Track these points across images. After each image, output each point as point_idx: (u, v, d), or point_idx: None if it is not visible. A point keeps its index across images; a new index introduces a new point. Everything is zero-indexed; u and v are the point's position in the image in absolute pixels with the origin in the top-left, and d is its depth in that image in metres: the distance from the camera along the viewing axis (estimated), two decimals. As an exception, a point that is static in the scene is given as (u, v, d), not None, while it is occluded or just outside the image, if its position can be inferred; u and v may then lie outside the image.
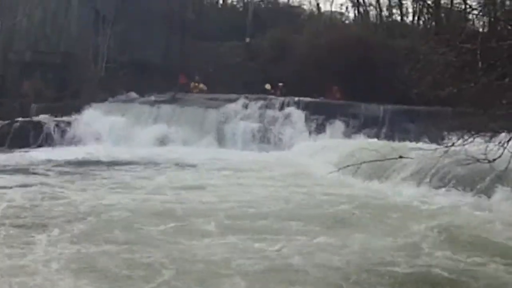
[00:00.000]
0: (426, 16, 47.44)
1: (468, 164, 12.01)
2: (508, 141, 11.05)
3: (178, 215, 12.58)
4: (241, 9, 56.67)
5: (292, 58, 39.73)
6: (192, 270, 8.84)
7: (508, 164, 11.46)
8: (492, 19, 13.30)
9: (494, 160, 10.93)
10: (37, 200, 13.77)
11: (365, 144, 20.08)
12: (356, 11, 54.79)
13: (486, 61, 10.32)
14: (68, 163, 22.11)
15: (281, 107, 32.44)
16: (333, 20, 53.39)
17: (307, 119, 31.33)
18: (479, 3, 13.83)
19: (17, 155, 24.64)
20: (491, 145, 11.14)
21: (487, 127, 11.14)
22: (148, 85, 35.57)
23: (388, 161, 13.69)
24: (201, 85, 38.76)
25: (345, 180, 17.28)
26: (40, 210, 12.68)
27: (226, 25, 47.06)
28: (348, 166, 12.84)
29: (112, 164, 22.15)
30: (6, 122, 29.57)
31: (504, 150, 10.93)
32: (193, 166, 22.15)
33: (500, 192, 13.86)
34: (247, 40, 46.82)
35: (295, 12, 56.57)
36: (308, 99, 33.26)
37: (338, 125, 30.97)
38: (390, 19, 51.50)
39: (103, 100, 33.07)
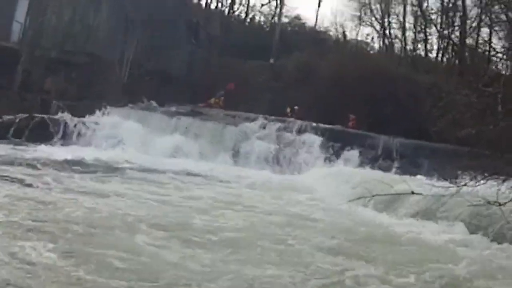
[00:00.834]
0: (450, 53, 47.61)
1: (478, 205, 12.08)
2: (520, 185, 11.12)
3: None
4: (267, 29, 56.90)
5: (315, 82, 39.85)
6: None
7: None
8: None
9: (505, 203, 11.00)
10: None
11: (379, 176, 20.17)
12: (381, 42, 55.06)
13: (507, 105, 10.42)
14: (79, 163, 22.25)
15: (299, 131, 32.52)
16: (358, 48, 53.52)
17: (323, 145, 31.36)
18: (503, 46, 13.95)
19: (31, 150, 24.80)
20: (503, 188, 11.18)
21: (502, 170, 11.20)
22: (169, 96, 35.82)
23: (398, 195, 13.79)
24: (221, 103, 38.95)
25: (355, 210, 17.32)
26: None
27: (252, 44, 47.19)
28: (359, 198, 12.92)
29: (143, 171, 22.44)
30: (25, 116, 29.76)
31: (515, 194, 10.99)
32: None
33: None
34: (272, 60, 46.99)
35: (321, 37, 56.69)
36: (325, 125, 33.33)
37: (353, 154, 30.94)
38: (415, 53, 51.67)
39: (123, 105, 33.26)
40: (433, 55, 51.20)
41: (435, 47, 50.86)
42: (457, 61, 41.95)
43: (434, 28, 50.48)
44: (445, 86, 13.57)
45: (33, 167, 19.60)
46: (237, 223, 13.85)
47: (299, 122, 33.47)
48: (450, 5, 48.48)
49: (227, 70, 42.26)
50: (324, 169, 28.37)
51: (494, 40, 36.06)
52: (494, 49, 13.50)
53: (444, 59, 48.94)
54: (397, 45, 53.66)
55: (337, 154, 31.01)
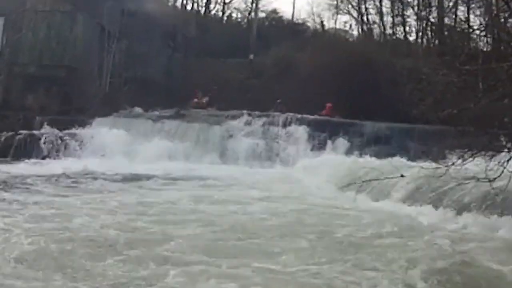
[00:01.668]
0: (429, 34, 47.69)
1: (468, 183, 12.11)
2: (508, 160, 11.13)
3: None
4: (245, 26, 56.89)
5: (295, 76, 39.86)
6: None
7: (508, 183, 11.51)
8: (495, 39, 13.38)
9: (494, 179, 11.02)
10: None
11: (367, 163, 20.19)
12: (360, 29, 55.14)
13: (487, 82, 10.43)
14: (70, 176, 22.03)
15: (284, 124, 32.54)
16: (337, 37, 53.53)
17: (309, 136, 31.45)
18: (481, 24, 13.96)
19: (21, 167, 24.60)
20: (491, 164, 11.20)
21: (488, 146, 11.21)
22: (151, 101, 35.79)
23: (389, 179, 13.81)
24: (204, 101, 38.99)
25: (345, 198, 17.32)
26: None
27: (230, 42, 47.19)
28: (349, 185, 12.93)
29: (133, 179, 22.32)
30: (10, 133, 29.66)
31: (504, 169, 11.01)
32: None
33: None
34: (251, 57, 46.98)
35: (299, 29, 56.79)
36: (309, 116, 33.41)
37: (340, 143, 31.05)
38: (394, 37, 51.72)
39: (107, 114, 33.17)
40: (412, 37, 51.33)
41: (414, 29, 51.03)
42: (436, 41, 42.02)
43: (411, 10, 50.62)
44: (425, 68, 13.50)
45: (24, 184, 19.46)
46: (223, 227, 13.67)
47: (283, 115, 33.44)
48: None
49: (206, 70, 42.28)
50: (312, 160, 28.40)
51: (472, 17, 36.29)
52: (471, 26, 13.49)
53: (424, 41, 49.00)
54: (376, 30, 53.81)
55: (324, 144, 31.09)
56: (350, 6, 55.60)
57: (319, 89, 36.75)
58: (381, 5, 52.18)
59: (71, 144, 29.87)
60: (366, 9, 53.91)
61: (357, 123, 32.48)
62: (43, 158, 28.56)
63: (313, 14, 59.42)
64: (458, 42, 14.48)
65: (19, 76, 34.51)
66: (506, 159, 11.15)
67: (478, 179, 11.36)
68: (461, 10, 42.82)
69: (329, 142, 31.16)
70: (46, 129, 30.69)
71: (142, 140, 30.41)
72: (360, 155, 28.55)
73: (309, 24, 59.30)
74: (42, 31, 35.91)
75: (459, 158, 11.21)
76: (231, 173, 25.29)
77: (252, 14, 55.62)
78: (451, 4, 44.75)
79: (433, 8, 47.59)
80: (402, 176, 12.54)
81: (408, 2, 50.38)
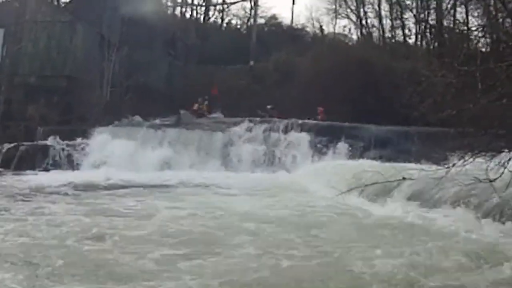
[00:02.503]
0: (428, 37, 47.74)
1: (470, 184, 12.11)
2: (509, 160, 11.14)
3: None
4: (245, 32, 56.99)
5: (296, 81, 39.94)
6: None
7: (509, 183, 11.53)
8: (494, 39, 13.42)
9: (495, 179, 11.02)
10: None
11: (368, 166, 20.21)
12: (359, 33, 55.18)
13: (486, 82, 10.45)
14: (76, 186, 22.06)
15: (285, 130, 32.55)
16: (336, 41, 53.57)
17: (310, 141, 31.41)
18: (479, 25, 13.99)
19: (24, 179, 24.58)
20: (491, 164, 11.20)
21: (488, 147, 11.22)
22: (151, 109, 35.86)
23: (391, 182, 13.82)
24: (205, 104, 38.98)
25: (348, 202, 17.35)
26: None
27: (230, 49, 47.33)
28: (351, 189, 12.92)
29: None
30: (12, 145, 29.66)
31: (504, 169, 11.02)
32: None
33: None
34: (251, 63, 47.03)
35: (298, 34, 56.95)
36: (310, 121, 33.52)
37: (342, 147, 31.02)
38: (393, 41, 51.78)
39: (108, 124, 33.17)
40: (412, 40, 51.38)
41: (413, 32, 51.08)
42: (436, 44, 42.05)
43: (410, 13, 50.67)
44: (424, 70, 13.53)
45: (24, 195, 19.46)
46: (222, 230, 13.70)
47: (285, 121, 33.43)
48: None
49: (207, 77, 42.36)
50: (314, 165, 28.46)
51: (471, 19, 36.32)
52: (469, 28, 13.52)
53: (423, 43, 49.04)
54: (375, 34, 53.87)
55: (326, 149, 31.07)
56: (349, 10, 55.75)
57: (320, 94, 36.78)
58: (379, 8, 52.32)
59: (73, 155, 29.86)
60: (365, 13, 54.06)
61: (358, 126, 32.41)
62: (46, 169, 28.53)
63: (312, 19, 59.57)
64: (457, 44, 14.50)
65: (20, 87, 34.58)
66: (507, 159, 11.16)
67: (479, 180, 11.34)
68: (460, 12, 42.87)
69: (330, 146, 31.13)
70: (48, 140, 30.68)
71: (145, 149, 30.40)
72: (362, 158, 28.64)
73: (308, 29, 59.58)
74: (42, 42, 36.02)
75: (459, 159, 11.21)
76: (232, 179, 25.45)
77: (251, 20, 55.65)
78: (449, 6, 44.83)
79: (432, 11, 47.67)
80: (404, 179, 12.54)
81: (406, 5, 50.48)
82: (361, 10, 54.16)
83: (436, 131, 24.98)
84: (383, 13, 52.19)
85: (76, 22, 36.49)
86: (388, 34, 52.49)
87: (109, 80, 36.89)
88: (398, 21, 51.32)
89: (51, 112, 33.39)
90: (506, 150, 11.38)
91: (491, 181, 11.04)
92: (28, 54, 35.85)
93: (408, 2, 50.34)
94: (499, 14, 12.74)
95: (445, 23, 43.19)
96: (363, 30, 54.47)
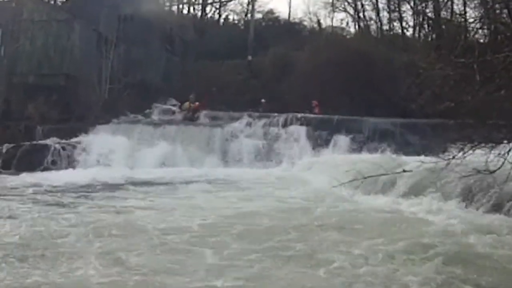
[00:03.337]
0: (426, 28, 47.68)
1: (470, 175, 12.13)
2: (508, 151, 11.14)
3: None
4: (242, 27, 56.92)
5: (294, 75, 39.90)
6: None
7: (509, 175, 11.54)
8: (492, 30, 13.43)
9: (495, 171, 11.04)
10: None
11: (368, 159, 20.23)
12: (357, 26, 55.10)
13: (483, 74, 10.46)
14: (76, 186, 22.05)
15: (284, 124, 32.53)
16: (334, 35, 53.48)
17: (310, 135, 31.42)
18: (476, 16, 13.97)
19: (25, 177, 24.52)
20: (491, 156, 11.21)
21: (487, 138, 11.23)
22: (150, 106, 35.87)
23: (390, 175, 13.85)
24: (196, 104, 37.85)
25: (348, 195, 17.40)
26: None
27: (228, 44, 47.25)
28: (351, 181, 12.93)
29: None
30: (12, 145, 29.58)
31: (504, 160, 11.03)
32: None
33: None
34: (249, 58, 46.97)
35: (296, 28, 56.85)
36: (309, 115, 33.55)
37: (341, 140, 31.01)
38: (391, 33, 51.70)
39: (107, 121, 33.11)
40: (409, 32, 51.27)
41: (411, 23, 50.99)
42: (434, 35, 42.00)
43: (408, 5, 50.57)
44: (422, 63, 13.53)
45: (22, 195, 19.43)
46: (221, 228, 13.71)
47: (284, 115, 33.34)
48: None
49: (204, 73, 42.28)
50: (314, 158, 28.48)
51: (468, 10, 36.25)
52: (467, 19, 13.52)
53: (421, 36, 48.94)
54: (373, 26, 53.77)
55: (326, 142, 31.07)
56: (346, 3, 55.48)
57: (317, 88, 36.77)
58: (377, 1, 52.13)
59: (74, 154, 29.73)
60: (362, 5, 53.85)
61: (358, 119, 32.39)
62: (47, 169, 28.46)
63: (309, 13, 59.68)
64: (455, 35, 14.49)
65: (18, 86, 34.48)
66: (506, 150, 11.17)
67: (479, 171, 11.36)
68: (457, 4, 42.77)
69: (330, 140, 31.10)
70: (49, 139, 30.61)
71: (144, 146, 30.36)
72: (362, 151, 28.67)
73: (305, 23, 59.42)
74: (39, 41, 35.94)
75: (459, 151, 11.23)
76: (232, 174, 25.51)
77: (249, 15, 55.62)
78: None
79: (429, 2, 47.54)
80: (404, 171, 12.56)
81: (404, -4, 50.34)
82: (359, 3, 53.99)
83: (435, 122, 24.95)
84: (380, 5, 52.05)
85: (73, 20, 36.40)
86: (385, 27, 52.43)
87: (107, 78, 36.80)
88: (396, 14, 51.21)
89: (50, 110, 33.26)
90: (506, 141, 11.40)
91: (491, 172, 11.06)
92: (26, 53, 35.75)
93: (406, -6, 50.21)
94: (497, 5, 12.73)
95: (442, 15, 43.06)
96: (361, 23, 54.32)
